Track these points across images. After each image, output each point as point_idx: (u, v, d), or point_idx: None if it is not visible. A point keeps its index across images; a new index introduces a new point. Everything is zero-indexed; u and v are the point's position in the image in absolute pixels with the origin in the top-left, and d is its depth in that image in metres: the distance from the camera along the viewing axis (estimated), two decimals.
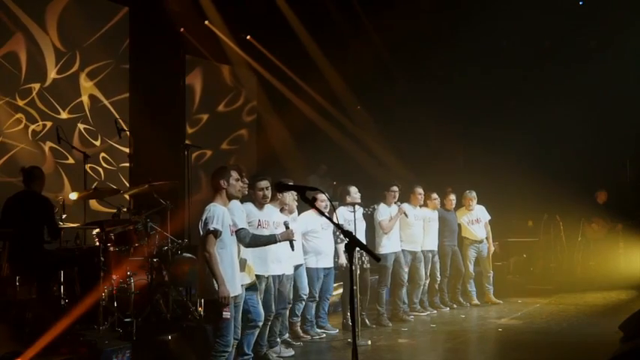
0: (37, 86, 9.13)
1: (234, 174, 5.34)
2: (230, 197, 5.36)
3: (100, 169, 9.83)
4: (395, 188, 8.51)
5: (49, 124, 9.08)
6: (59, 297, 6.54)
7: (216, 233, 5.03)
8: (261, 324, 5.84)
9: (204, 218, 5.08)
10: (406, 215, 8.47)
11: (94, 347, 5.75)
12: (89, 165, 7.70)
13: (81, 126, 9.65)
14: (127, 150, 9.99)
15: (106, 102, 10.03)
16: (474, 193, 9.89)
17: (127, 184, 9.86)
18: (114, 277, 6.65)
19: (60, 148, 8.96)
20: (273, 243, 5.87)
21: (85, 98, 9.76)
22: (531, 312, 9.16)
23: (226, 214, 5.20)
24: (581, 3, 12.46)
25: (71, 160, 9.28)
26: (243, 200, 5.94)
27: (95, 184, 7.92)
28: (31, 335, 5.75)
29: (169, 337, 6.20)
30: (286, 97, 12.69)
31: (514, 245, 12.02)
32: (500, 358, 7.16)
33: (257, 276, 5.91)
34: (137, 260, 7.05)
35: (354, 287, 6.44)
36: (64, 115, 9.41)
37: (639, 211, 11.27)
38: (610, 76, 11.44)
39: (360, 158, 12.73)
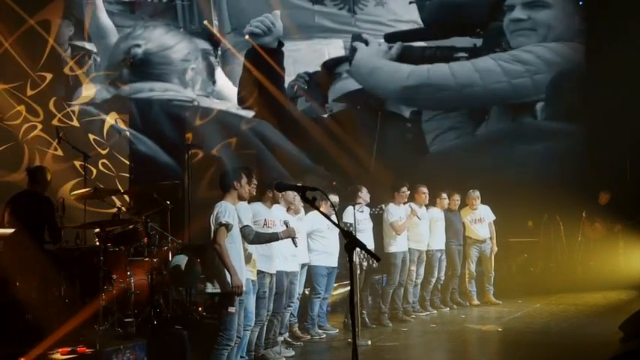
0: (49, 76, 9.08)
1: (245, 176, 5.55)
2: (240, 199, 5.57)
3: (94, 170, 9.81)
4: (405, 189, 8.54)
5: (49, 121, 9.06)
6: (59, 297, 6.54)
7: (228, 226, 5.25)
8: (252, 324, 5.84)
9: (215, 213, 5.30)
10: (419, 217, 8.50)
11: (94, 347, 5.75)
12: (80, 163, 7.68)
13: (88, 133, 9.67)
14: (127, 162, 9.99)
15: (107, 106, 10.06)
16: (477, 193, 9.92)
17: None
18: (114, 277, 6.65)
19: (57, 147, 8.95)
20: (275, 240, 6.02)
21: (87, 101, 9.77)
22: (531, 312, 9.16)
23: (235, 212, 5.41)
24: (581, 3, 12.46)
25: (59, 152, 9.22)
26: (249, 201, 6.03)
27: (80, 179, 7.91)
28: (32, 336, 5.75)
29: (169, 337, 6.23)
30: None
31: (514, 245, 12.00)
32: (500, 358, 7.16)
33: (261, 272, 5.98)
34: (137, 260, 7.05)
35: (354, 287, 6.47)
36: (65, 115, 9.41)
37: (639, 211, 11.25)
38: (610, 76, 11.44)
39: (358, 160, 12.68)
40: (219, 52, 11.09)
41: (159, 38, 10.44)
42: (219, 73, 11.21)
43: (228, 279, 5.19)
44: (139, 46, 10.21)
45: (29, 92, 8.81)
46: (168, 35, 10.45)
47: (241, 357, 5.82)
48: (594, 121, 12.03)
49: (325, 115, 12.00)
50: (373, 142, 11.76)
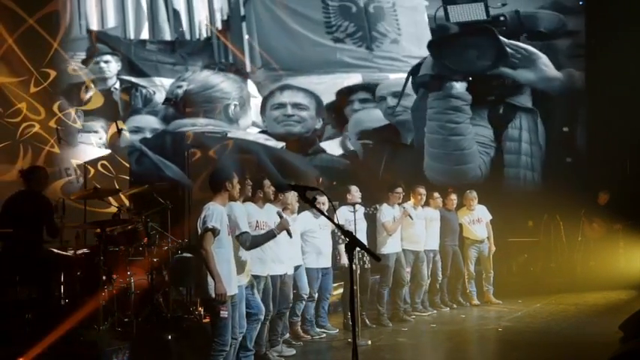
0: (53, 73, 9.06)
1: (237, 176, 5.41)
2: (231, 199, 5.42)
3: (92, 170, 9.80)
4: (399, 189, 8.51)
5: (49, 120, 9.03)
6: (59, 297, 6.55)
7: (215, 231, 5.06)
8: (262, 317, 5.83)
9: (202, 216, 5.11)
10: (411, 217, 8.48)
11: (94, 347, 5.75)
12: (76, 162, 7.68)
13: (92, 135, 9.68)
14: (127, 164, 10.00)
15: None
16: (474, 193, 9.90)
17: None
18: (114, 277, 6.65)
19: (54, 144, 8.94)
20: (272, 237, 5.90)
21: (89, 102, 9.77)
22: (531, 312, 9.16)
23: (225, 215, 5.23)
24: (581, 3, 12.46)
25: (56, 150, 9.21)
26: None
27: (71, 178, 7.93)
28: (32, 336, 5.76)
29: (169, 337, 6.22)
30: None
31: (514, 245, 12.00)
32: (500, 358, 7.17)
33: (256, 276, 5.95)
34: (137, 260, 7.05)
35: (354, 287, 6.46)
36: (66, 115, 9.39)
37: (639, 211, 11.24)
38: (609, 75, 11.44)
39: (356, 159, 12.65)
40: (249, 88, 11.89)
41: (203, 79, 11.36)
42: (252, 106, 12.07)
43: (212, 286, 5.02)
44: (180, 87, 11.07)
45: (32, 89, 8.77)
46: (212, 76, 11.41)
47: (249, 349, 5.75)
48: (594, 121, 12.04)
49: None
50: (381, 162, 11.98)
